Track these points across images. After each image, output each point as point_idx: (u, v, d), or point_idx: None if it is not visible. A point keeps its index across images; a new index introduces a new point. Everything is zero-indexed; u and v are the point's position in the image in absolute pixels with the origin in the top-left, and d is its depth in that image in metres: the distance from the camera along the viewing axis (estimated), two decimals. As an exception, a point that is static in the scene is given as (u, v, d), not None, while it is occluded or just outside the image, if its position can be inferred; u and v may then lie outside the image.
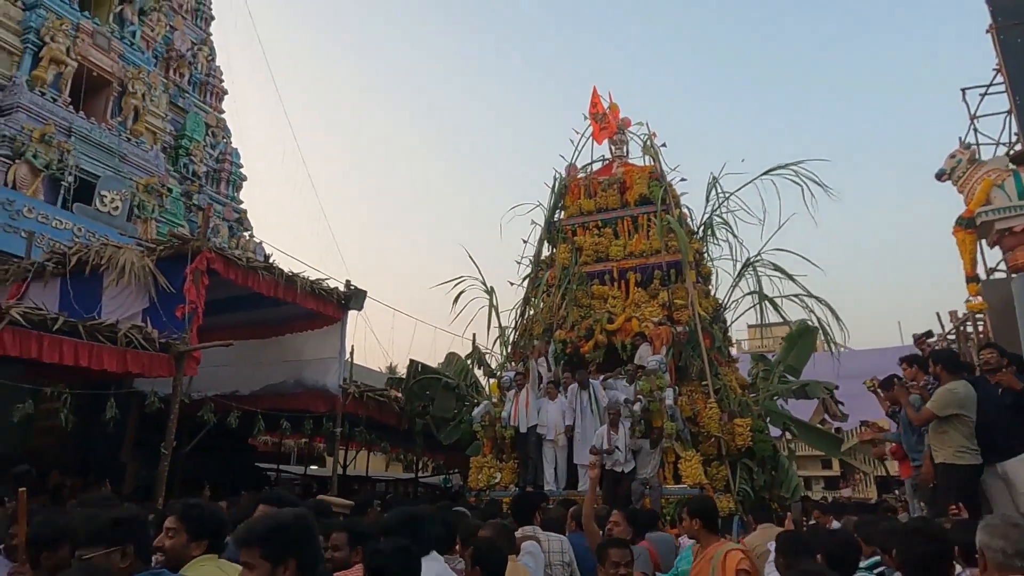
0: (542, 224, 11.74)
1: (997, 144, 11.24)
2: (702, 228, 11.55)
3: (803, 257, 10.44)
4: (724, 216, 11.21)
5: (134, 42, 15.55)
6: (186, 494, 7.19)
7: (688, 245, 9.88)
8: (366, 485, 16.88)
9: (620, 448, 7.49)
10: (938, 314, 12.22)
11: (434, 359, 13.11)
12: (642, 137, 12.24)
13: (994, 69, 12.21)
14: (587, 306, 10.15)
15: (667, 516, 7.03)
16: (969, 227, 7.76)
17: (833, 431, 9.86)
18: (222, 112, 18.74)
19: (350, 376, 11.60)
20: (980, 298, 7.90)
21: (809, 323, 10.23)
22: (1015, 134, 10.86)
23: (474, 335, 11.86)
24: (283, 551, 1.95)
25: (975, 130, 11.55)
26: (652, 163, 11.73)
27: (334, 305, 10.21)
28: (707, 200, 11.38)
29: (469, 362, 11.99)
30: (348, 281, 10.53)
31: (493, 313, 11.14)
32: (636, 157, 12.30)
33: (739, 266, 10.83)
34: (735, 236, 11.04)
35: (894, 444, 7.14)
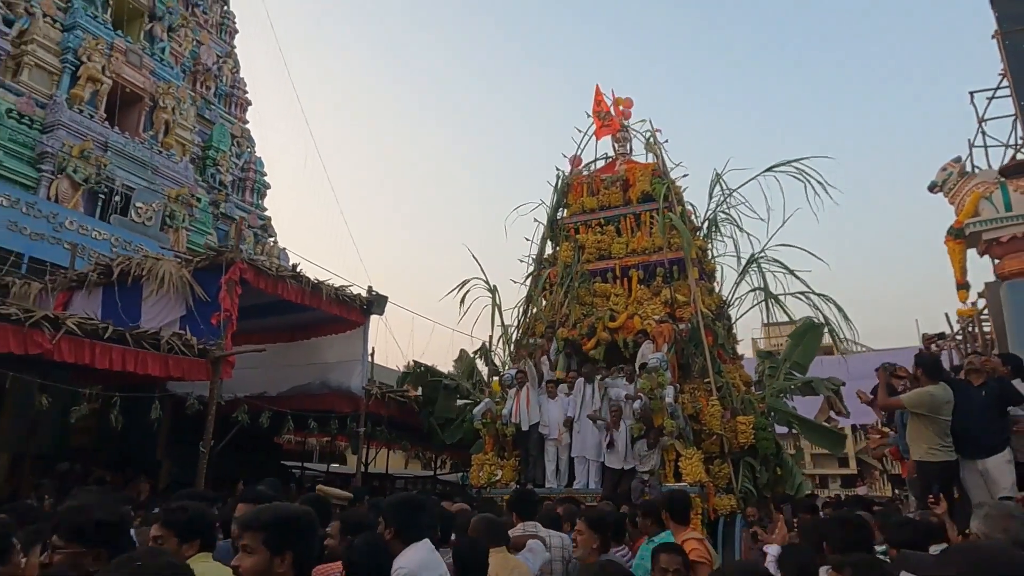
0: (545, 223, 11.71)
1: (1005, 147, 11.46)
2: (705, 225, 11.45)
3: (808, 252, 10.28)
4: (728, 213, 11.07)
5: (164, 58, 16.24)
6: (218, 491, 7.72)
7: (690, 242, 9.78)
8: (386, 482, 17.43)
9: (620, 445, 7.59)
10: (947, 315, 12.42)
11: (452, 359, 13.42)
12: (645, 134, 12.10)
13: (999, 74, 12.45)
14: (589, 304, 10.13)
15: None
16: (959, 237, 8.08)
17: (837, 428, 9.79)
18: (246, 122, 19.39)
19: (372, 377, 12.12)
20: (970, 304, 8.22)
21: (815, 320, 10.15)
22: (1021, 138, 11.11)
23: (490, 336, 11.82)
24: (284, 542, 2.00)
25: (983, 133, 11.81)
26: (655, 160, 11.61)
27: (357, 310, 10.75)
28: (710, 196, 11.25)
29: (475, 359, 12.02)
30: (370, 287, 11.06)
31: (496, 312, 11.17)
32: (639, 155, 12.20)
33: (743, 263, 10.71)
34: (740, 231, 10.91)
35: (893, 446, 7.54)
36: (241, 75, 19.68)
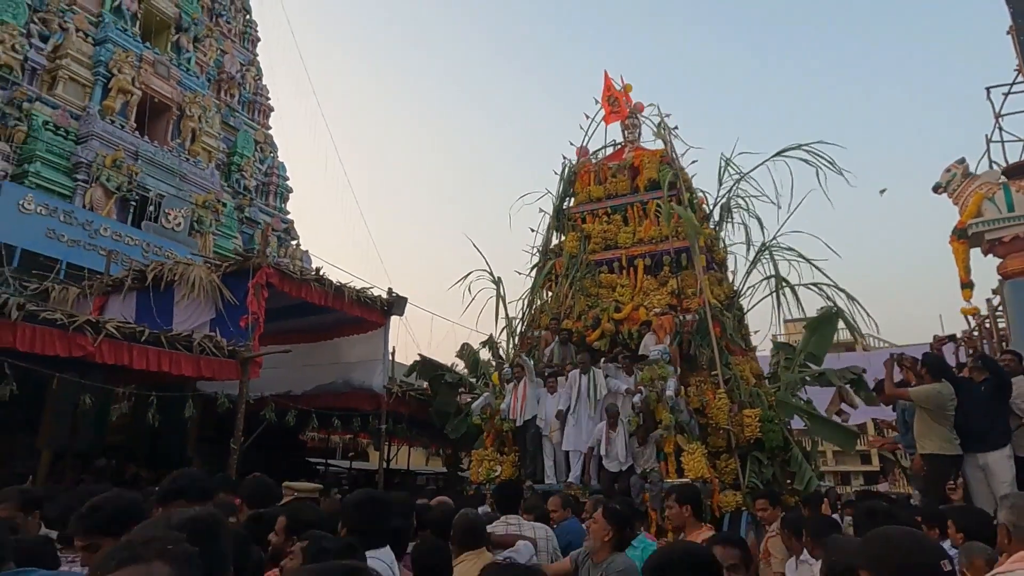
0: (551, 212, 11.40)
1: (1023, 142, 11.51)
2: (715, 212, 11.01)
3: (823, 242, 10.26)
4: (738, 199, 10.57)
5: (190, 68, 16.77)
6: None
7: (696, 230, 9.38)
8: (408, 478, 17.82)
9: (619, 448, 7.35)
10: (964, 310, 12.53)
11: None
12: (654, 120, 11.62)
13: (1015, 70, 12.45)
14: (595, 295, 9.84)
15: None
16: (962, 237, 8.19)
17: (846, 421, 9.28)
18: (269, 128, 19.88)
19: (392, 375, 12.46)
20: (984, 300, 8.34)
21: (831, 310, 9.69)
22: (1038, 132, 11.11)
23: (503, 331, 11.33)
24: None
25: (1000, 128, 11.85)
26: (664, 146, 11.18)
27: (378, 312, 11.09)
28: (719, 183, 10.78)
29: (478, 352, 11.66)
30: (390, 289, 11.38)
31: (501, 304, 10.90)
32: (648, 141, 11.78)
33: (754, 251, 10.23)
34: (752, 218, 10.43)
35: (900, 444, 7.73)
36: (264, 82, 20.19)
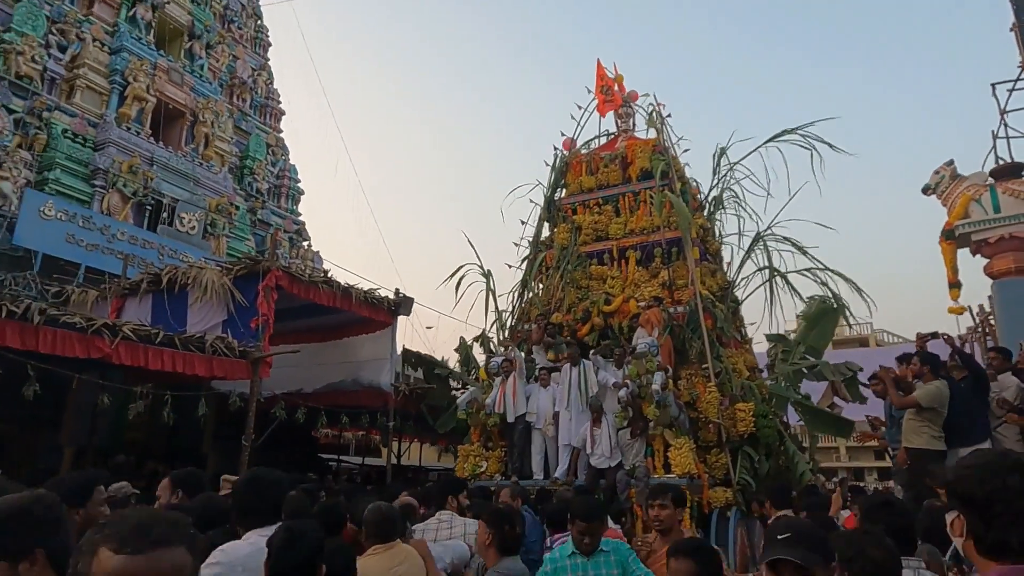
0: (543, 204, 11.18)
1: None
2: (709, 202, 10.87)
3: (820, 224, 9.65)
4: (732, 189, 10.36)
5: (203, 74, 17.17)
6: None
7: (689, 220, 9.16)
8: (419, 474, 18.16)
9: (603, 444, 7.26)
10: (969, 307, 12.61)
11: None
12: (647, 109, 11.40)
13: (1019, 66, 12.50)
14: (585, 287, 9.66)
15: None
16: (950, 238, 8.31)
17: (838, 412, 9.22)
18: (280, 131, 20.27)
19: (402, 373, 12.76)
20: (978, 304, 8.48)
21: (830, 301, 9.51)
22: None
23: (493, 324, 11.05)
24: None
25: (1005, 124, 11.91)
26: (656, 135, 10.94)
27: (385, 312, 11.38)
28: (714, 172, 10.52)
29: (470, 347, 11.57)
30: (397, 290, 11.68)
31: (491, 297, 10.73)
32: (642, 131, 11.56)
33: (749, 241, 10.09)
34: (745, 210, 10.22)
35: (884, 440, 7.87)
36: (275, 86, 20.57)
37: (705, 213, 10.75)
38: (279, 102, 20.44)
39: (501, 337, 10.23)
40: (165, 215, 14.81)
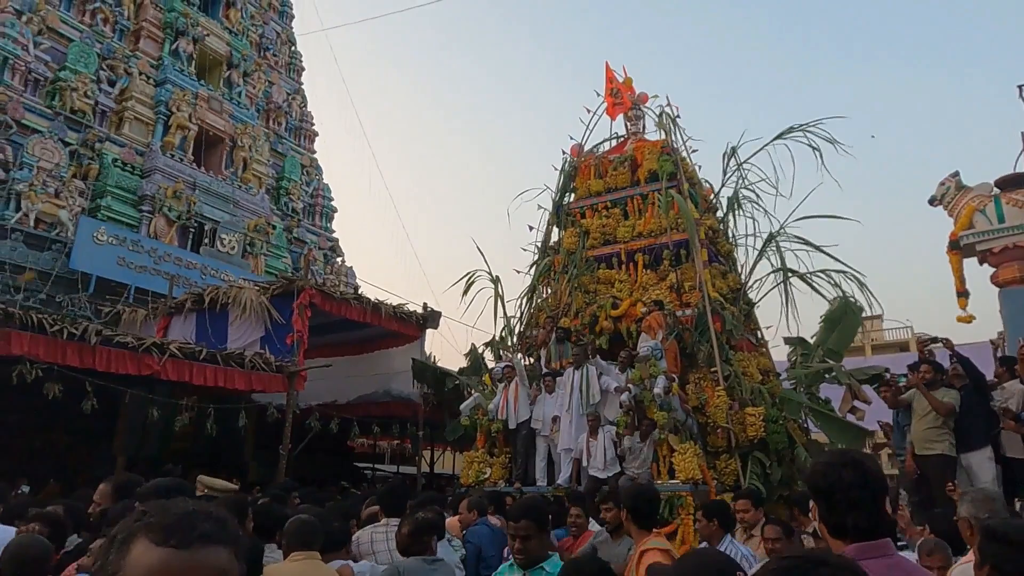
0: (551, 208, 11.08)
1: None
2: (719, 202, 10.63)
3: (840, 218, 9.36)
4: (744, 188, 10.05)
5: (240, 101, 18.09)
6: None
7: (692, 220, 8.95)
8: (452, 482, 18.57)
9: (598, 455, 7.12)
10: (959, 318, 12.41)
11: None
12: (657, 111, 11.18)
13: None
14: (593, 292, 9.53)
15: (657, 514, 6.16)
16: (955, 249, 8.41)
17: (863, 420, 8.74)
18: (314, 152, 21.11)
19: (417, 384, 13.15)
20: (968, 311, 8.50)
21: (852, 300, 9.17)
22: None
23: (502, 331, 10.85)
24: None
25: (1033, 126, 11.85)
26: (665, 136, 10.77)
27: (414, 326, 11.92)
28: (724, 172, 10.27)
29: (482, 353, 11.46)
30: (425, 304, 12.20)
31: (500, 303, 10.56)
32: (652, 132, 11.39)
33: (762, 242, 9.73)
34: (756, 208, 9.93)
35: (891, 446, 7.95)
36: (308, 109, 21.45)
37: (719, 214, 10.64)
38: (312, 124, 21.29)
39: (510, 343, 10.21)
40: (207, 237, 15.67)
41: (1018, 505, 5.43)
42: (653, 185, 10.00)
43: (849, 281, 8.97)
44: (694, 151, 11.00)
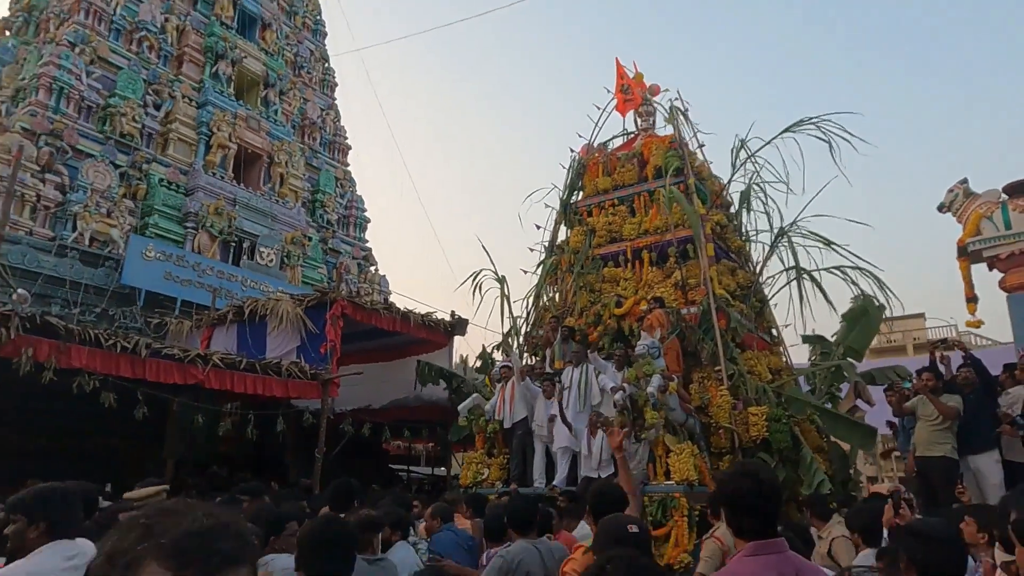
0: (559, 207, 11.04)
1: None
2: (732, 197, 10.45)
3: (858, 222, 9.29)
4: (754, 183, 9.85)
5: (277, 119, 18.90)
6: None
7: (695, 216, 8.76)
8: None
9: (593, 456, 6.97)
10: (968, 323, 12.16)
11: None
12: (667, 105, 11.05)
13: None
14: (598, 290, 9.42)
15: (650, 516, 6.26)
16: (963, 255, 8.46)
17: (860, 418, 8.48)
18: (347, 165, 21.84)
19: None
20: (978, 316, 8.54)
21: (874, 298, 9.00)
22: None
23: (509, 331, 10.89)
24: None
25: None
26: (674, 131, 10.61)
27: (442, 333, 12.40)
28: (733, 166, 10.01)
29: (491, 354, 11.46)
30: (453, 312, 12.64)
31: (506, 303, 10.62)
32: (663, 128, 11.24)
33: (773, 237, 9.64)
34: (770, 203, 9.78)
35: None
36: (342, 123, 22.19)
37: (730, 209, 10.52)
38: (346, 138, 22.02)
39: (517, 343, 10.12)
40: (247, 250, 16.45)
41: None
42: (660, 181, 9.83)
43: (867, 278, 8.91)
44: (702, 145, 10.86)
